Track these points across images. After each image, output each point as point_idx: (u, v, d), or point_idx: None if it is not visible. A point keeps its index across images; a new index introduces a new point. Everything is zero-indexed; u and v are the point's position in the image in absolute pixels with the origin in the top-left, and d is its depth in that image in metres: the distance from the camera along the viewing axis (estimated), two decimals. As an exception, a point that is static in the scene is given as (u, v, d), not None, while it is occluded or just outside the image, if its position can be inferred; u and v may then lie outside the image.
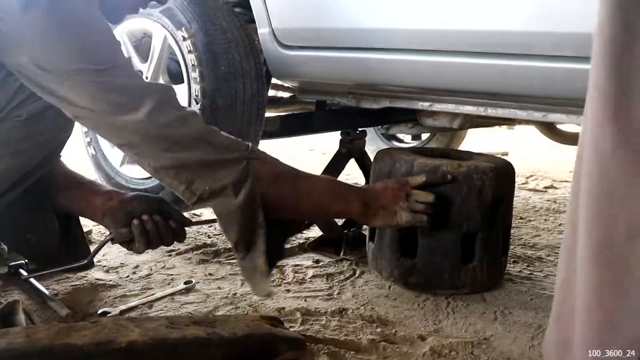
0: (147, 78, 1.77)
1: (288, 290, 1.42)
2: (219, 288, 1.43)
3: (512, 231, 2.06)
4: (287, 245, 1.60)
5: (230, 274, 1.53)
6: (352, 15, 1.42)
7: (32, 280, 1.39)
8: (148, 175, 1.77)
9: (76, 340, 0.91)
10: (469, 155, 1.53)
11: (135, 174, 1.83)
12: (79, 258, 1.32)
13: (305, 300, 1.36)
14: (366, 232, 1.60)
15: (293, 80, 1.69)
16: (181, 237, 1.25)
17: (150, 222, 1.20)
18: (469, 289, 1.41)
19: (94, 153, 1.94)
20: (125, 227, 1.20)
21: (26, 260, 1.45)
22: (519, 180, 2.99)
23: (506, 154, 3.72)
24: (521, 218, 2.24)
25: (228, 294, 1.39)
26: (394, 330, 1.21)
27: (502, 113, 1.36)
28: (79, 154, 1.95)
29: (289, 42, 1.56)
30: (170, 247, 1.70)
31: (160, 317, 1.05)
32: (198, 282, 1.45)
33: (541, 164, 3.53)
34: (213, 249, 1.73)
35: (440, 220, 1.34)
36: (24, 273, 1.43)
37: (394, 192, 1.28)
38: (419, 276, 1.40)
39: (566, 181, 3.09)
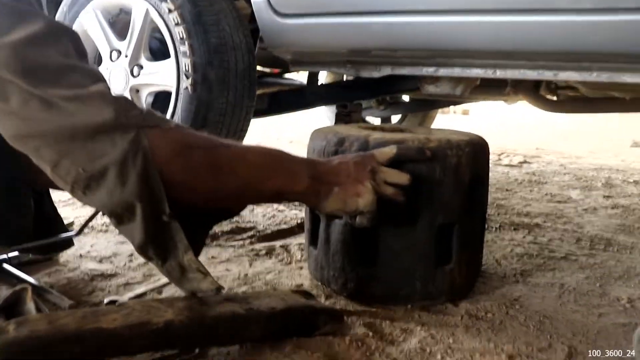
0: (126, 57, 1.66)
1: (301, 268, 1.36)
2: (227, 270, 1.35)
3: (503, 202, 2.09)
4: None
5: (234, 257, 1.45)
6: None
7: (22, 274, 1.27)
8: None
9: (107, 324, 0.82)
10: (427, 131, 1.27)
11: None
12: (54, 235, 1.21)
13: (322, 276, 1.30)
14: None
15: (289, 50, 1.61)
16: None
17: None
18: (446, 297, 1.13)
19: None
20: None
21: (9, 255, 1.32)
22: (492, 157, 3.04)
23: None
24: (507, 190, 2.27)
25: (239, 275, 1.31)
26: (422, 299, 1.18)
27: (511, 74, 1.34)
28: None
29: (285, 10, 1.49)
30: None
31: (189, 296, 0.96)
32: (204, 266, 1.36)
33: (505, 143, 3.61)
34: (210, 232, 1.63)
35: (408, 210, 1.05)
36: (9, 267, 1.30)
37: (356, 167, 0.98)
38: (382, 287, 1.11)
39: (537, 156, 3.16)
